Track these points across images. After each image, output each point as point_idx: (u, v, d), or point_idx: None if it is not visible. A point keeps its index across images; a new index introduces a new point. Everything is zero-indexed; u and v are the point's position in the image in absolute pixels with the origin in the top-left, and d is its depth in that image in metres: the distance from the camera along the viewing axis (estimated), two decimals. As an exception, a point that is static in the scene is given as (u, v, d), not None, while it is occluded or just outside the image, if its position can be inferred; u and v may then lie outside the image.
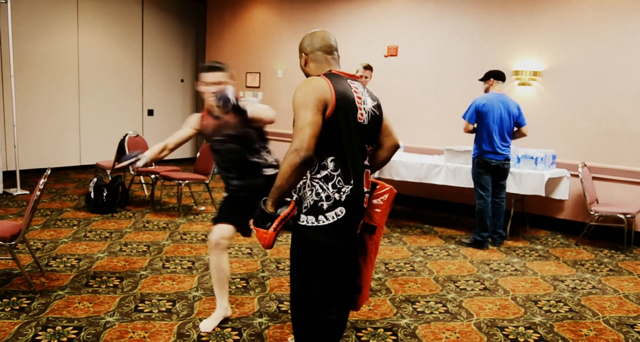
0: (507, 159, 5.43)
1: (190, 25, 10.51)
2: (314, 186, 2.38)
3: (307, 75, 2.54)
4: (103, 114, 9.28)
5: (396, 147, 2.66)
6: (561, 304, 4.01)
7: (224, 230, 3.28)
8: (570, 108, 6.11)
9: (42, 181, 3.77)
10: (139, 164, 3.22)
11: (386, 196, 2.62)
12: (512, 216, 5.91)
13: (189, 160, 10.26)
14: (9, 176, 7.39)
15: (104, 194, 6.14)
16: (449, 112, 6.88)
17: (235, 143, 3.29)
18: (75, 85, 8.95)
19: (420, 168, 6.10)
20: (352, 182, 2.38)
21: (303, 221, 2.40)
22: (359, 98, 2.44)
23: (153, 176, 6.58)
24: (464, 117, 5.45)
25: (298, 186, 2.43)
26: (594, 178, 5.87)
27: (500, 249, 5.42)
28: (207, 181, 6.37)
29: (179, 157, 10.51)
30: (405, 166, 6.18)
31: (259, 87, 9.17)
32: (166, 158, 11.03)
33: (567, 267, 4.93)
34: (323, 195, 2.37)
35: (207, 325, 3.35)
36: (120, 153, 6.60)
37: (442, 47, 7.02)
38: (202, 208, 6.68)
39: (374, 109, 2.52)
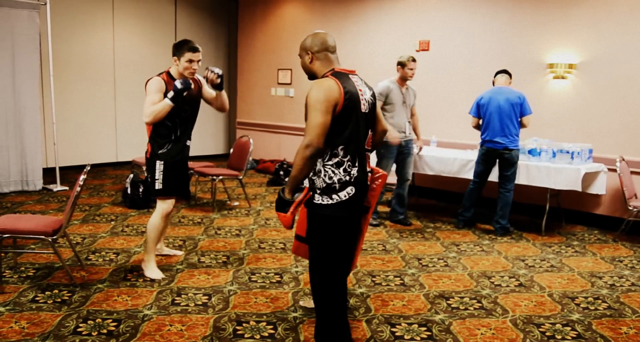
0: (507, 148, 5.50)
1: (222, 23, 10.60)
2: (327, 171, 2.75)
3: (311, 72, 2.92)
4: (138, 112, 9.41)
5: (385, 131, 3.09)
6: (599, 301, 3.94)
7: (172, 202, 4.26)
8: (606, 101, 5.97)
9: (82, 177, 3.87)
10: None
11: (380, 180, 3.08)
12: (548, 211, 5.82)
13: (223, 156, 10.38)
14: (49, 173, 7.60)
15: (140, 190, 6.26)
16: (482, 107, 6.79)
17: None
18: (112, 83, 9.13)
19: (453, 163, 6.07)
20: (357, 164, 2.77)
21: (318, 200, 2.77)
22: (360, 91, 2.80)
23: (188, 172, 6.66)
24: (469, 113, 5.81)
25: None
26: (632, 172, 5.74)
27: (536, 245, 5.35)
28: (241, 177, 6.43)
29: (213, 153, 10.64)
30: (438, 161, 6.15)
31: (290, 83, 9.21)
32: (200, 154, 10.95)
33: (604, 264, 4.84)
34: (335, 178, 2.74)
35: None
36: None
37: (474, 41, 6.94)
38: (236, 203, 6.75)
39: (371, 97, 2.90)
